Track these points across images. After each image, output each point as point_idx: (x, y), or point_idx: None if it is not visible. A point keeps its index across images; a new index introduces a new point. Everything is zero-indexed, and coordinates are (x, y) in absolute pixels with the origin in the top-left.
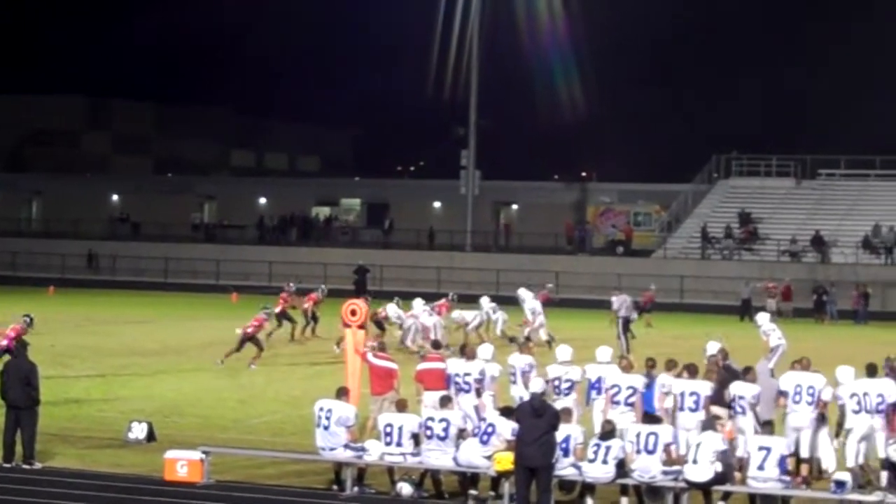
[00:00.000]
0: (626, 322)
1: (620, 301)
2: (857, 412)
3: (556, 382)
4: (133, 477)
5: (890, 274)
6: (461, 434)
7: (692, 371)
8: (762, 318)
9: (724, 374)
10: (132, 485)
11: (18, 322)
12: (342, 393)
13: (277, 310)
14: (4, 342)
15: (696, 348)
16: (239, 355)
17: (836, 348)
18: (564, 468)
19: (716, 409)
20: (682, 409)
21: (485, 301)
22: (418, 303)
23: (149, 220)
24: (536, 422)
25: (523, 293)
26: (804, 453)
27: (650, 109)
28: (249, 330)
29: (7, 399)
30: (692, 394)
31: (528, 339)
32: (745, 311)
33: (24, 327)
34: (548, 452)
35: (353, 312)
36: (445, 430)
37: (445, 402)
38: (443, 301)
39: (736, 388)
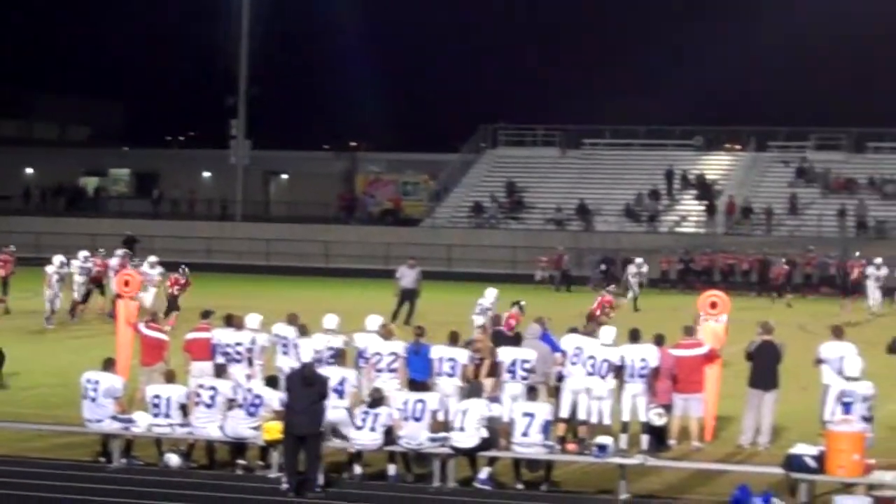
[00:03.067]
0: (413, 293)
1: (404, 272)
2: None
3: (321, 351)
4: None
5: (652, 241)
6: (231, 404)
7: (453, 338)
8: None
9: (496, 339)
10: None
11: None
12: (109, 364)
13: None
14: None
15: (464, 315)
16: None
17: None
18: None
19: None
20: (440, 374)
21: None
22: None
23: None
24: (306, 390)
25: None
26: (582, 416)
27: (419, 79)
28: None
29: None
30: (449, 359)
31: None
32: (566, 281)
33: None
34: (316, 420)
35: (127, 283)
36: (212, 398)
37: (220, 371)
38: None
39: (516, 354)
